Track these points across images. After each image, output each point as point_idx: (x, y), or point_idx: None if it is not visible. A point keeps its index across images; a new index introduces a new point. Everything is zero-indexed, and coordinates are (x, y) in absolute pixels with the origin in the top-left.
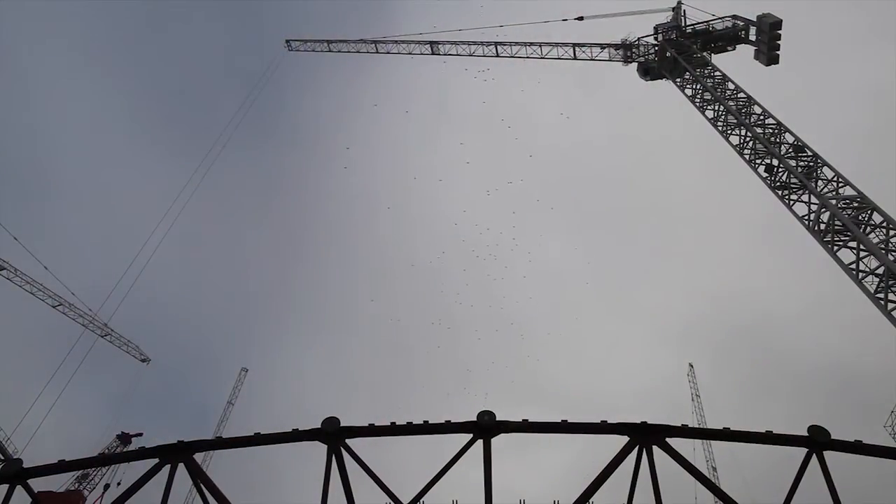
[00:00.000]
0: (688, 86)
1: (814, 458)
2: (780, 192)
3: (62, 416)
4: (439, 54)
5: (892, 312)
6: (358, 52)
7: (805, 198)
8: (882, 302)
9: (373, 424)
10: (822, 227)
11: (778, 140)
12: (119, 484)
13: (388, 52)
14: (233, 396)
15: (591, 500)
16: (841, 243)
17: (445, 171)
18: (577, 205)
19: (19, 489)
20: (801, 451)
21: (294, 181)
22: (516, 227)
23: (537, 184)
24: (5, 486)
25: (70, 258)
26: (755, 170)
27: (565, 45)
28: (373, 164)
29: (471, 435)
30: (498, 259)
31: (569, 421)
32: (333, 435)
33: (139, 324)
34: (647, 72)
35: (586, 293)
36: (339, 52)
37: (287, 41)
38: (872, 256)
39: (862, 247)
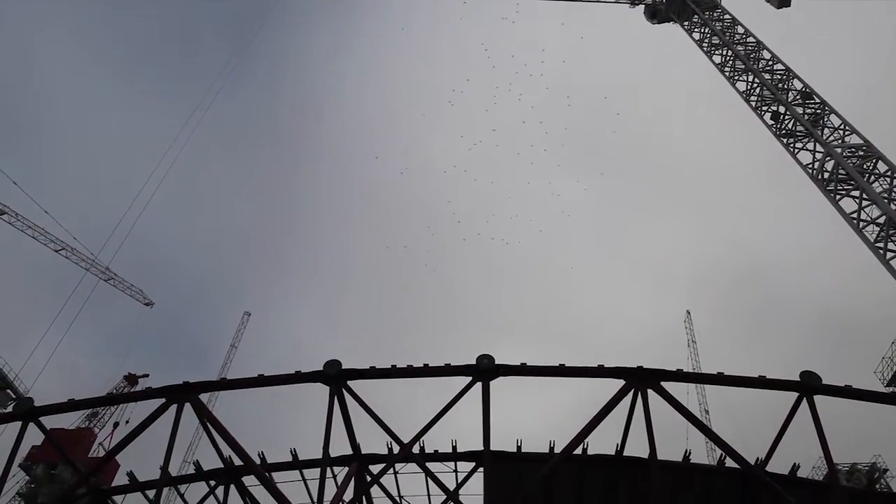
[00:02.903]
0: (696, 29)
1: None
2: (785, 141)
3: (67, 358)
4: None
5: (891, 262)
6: None
7: (810, 146)
8: (881, 251)
9: (374, 367)
10: (826, 175)
11: (785, 87)
12: (128, 422)
13: None
14: (236, 340)
15: (586, 441)
16: (843, 192)
17: (449, 113)
18: (579, 150)
19: (32, 426)
20: (795, 397)
21: (294, 123)
22: (518, 171)
23: (538, 127)
24: (18, 423)
25: (70, 203)
26: (761, 117)
27: None
28: (373, 105)
29: (470, 378)
30: (499, 202)
31: (566, 365)
32: (335, 377)
33: (141, 268)
34: (655, 14)
35: (587, 237)
36: None
37: None
38: (874, 205)
39: (864, 196)
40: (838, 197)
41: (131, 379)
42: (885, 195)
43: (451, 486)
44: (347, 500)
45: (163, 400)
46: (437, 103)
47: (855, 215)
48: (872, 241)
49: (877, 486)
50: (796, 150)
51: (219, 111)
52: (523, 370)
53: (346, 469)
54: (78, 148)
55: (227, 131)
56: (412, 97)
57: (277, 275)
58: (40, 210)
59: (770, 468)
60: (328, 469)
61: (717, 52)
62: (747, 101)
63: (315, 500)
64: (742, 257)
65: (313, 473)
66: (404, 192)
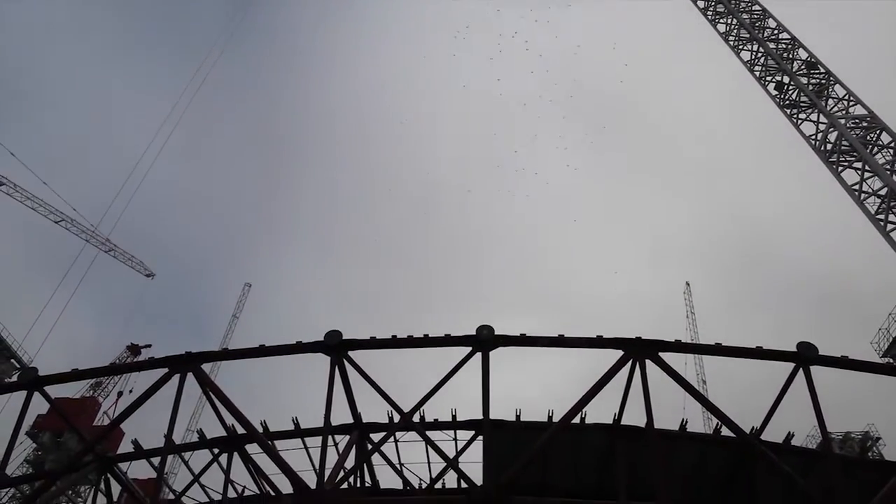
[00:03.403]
0: None
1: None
2: (788, 111)
3: (69, 329)
4: None
5: (892, 234)
6: None
7: (814, 117)
8: (882, 223)
9: (374, 337)
10: (829, 147)
11: (791, 56)
12: (131, 391)
13: None
14: (237, 310)
15: (584, 410)
16: (846, 164)
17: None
18: (579, 117)
19: (37, 395)
20: (791, 367)
21: (295, 82)
22: (524, 123)
23: (535, 92)
24: (23, 393)
25: (68, 174)
26: (764, 87)
27: None
28: (372, 55)
29: (470, 348)
30: (500, 166)
31: (565, 335)
32: (336, 347)
33: (142, 239)
34: None
35: (586, 206)
36: None
37: None
38: (876, 177)
39: (867, 167)
40: (840, 169)
41: (134, 349)
42: (888, 166)
43: (451, 453)
44: (349, 468)
45: (165, 370)
46: (439, 49)
47: (856, 187)
48: (873, 212)
49: (869, 453)
50: (799, 122)
51: (217, 74)
52: (522, 341)
53: (348, 437)
54: (75, 119)
55: (225, 96)
56: (413, 46)
57: (278, 245)
58: (38, 181)
59: (765, 437)
60: (330, 437)
61: (721, 20)
62: (751, 71)
63: (317, 467)
64: (742, 229)
65: (315, 441)
66: (405, 142)
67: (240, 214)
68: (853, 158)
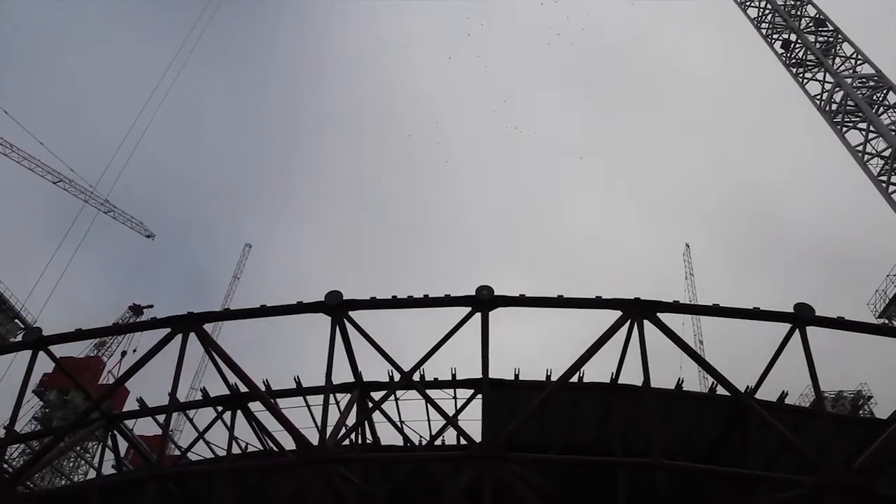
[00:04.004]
0: None
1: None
2: (794, 70)
3: (70, 290)
4: None
5: (893, 195)
6: None
7: (820, 76)
8: (884, 185)
9: (374, 297)
10: (834, 107)
11: (799, 13)
12: (135, 351)
13: None
14: (238, 271)
15: (582, 370)
16: (850, 124)
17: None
18: (580, 73)
19: (42, 355)
20: (788, 328)
21: (292, 47)
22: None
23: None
24: (28, 352)
25: (66, 135)
26: (771, 45)
27: None
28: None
29: (469, 308)
30: (498, 120)
31: (564, 296)
32: (336, 307)
33: (141, 200)
34: None
35: (586, 164)
36: None
37: None
38: (881, 138)
39: (871, 128)
40: (844, 130)
41: (136, 309)
42: (893, 127)
43: (451, 412)
44: (350, 425)
45: (168, 330)
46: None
47: (860, 148)
48: (876, 174)
49: (860, 411)
50: (805, 81)
51: (213, 33)
52: (522, 301)
53: (349, 396)
54: (71, 78)
55: (221, 53)
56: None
57: (278, 204)
58: (35, 141)
59: (760, 396)
60: (331, 396)
61: None
62: (758, 29)
63: (319, 424)
64: (743, 190)
65: (316, 400)
66: (404, 99)
67: (240, 175)
68: (858, 119)
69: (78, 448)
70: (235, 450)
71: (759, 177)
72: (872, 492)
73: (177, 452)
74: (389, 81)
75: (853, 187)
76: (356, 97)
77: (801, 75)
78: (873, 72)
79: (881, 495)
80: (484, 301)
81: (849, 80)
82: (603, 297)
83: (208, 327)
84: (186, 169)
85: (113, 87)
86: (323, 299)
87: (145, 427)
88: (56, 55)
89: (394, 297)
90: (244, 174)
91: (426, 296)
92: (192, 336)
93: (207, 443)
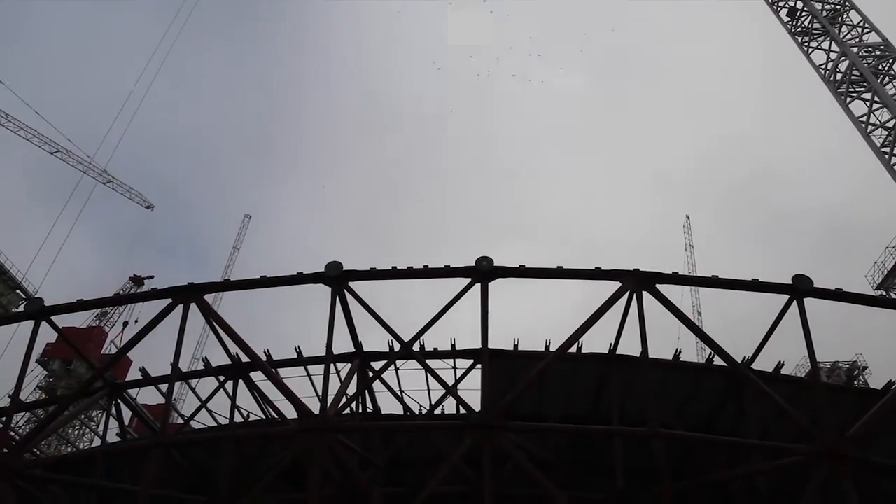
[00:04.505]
0: None
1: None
2: (799, 39)
3: (70, 261)
4: None
5: (895, 167)
6: None
7: (825, 45)
8: (887, 156)
9: (374, 268)
10: (839, 77)
11: None
12: (137, 321)
13: None
14: (238, 242)
15: (580, 341)
16: (854, 94)
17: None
18: (581, 42)
19: (44, 325)
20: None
21: (292, 14)
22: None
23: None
24: (31, 323)
25: (62, 105)
26: (776, 13)
27: None
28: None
29: (469, 279)
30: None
31: (564, 267)
32: (336, 278)
33: (140, 171)
34: None
35: (586, 134)
36: None
37: None
38: (885, 108)
39: (876, 98)
40: (849, 100)
41: (137, 280)
42: None
43: (450, 382)
44: (351, 394)
45: (169, 300)
46: None
47: (864, 119)
48: (879, 145)
49: (855, 382)
50: (810, 50)
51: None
52: (521, 272)
53: (349, 365)
54: (66, 48)
55: (220, 20)
56: None
57: (277, 176)
58: (31, 111)
59: (756, 367)
60: (332, 365)
61: None
62: None
63: (320, 394)
64: (744, 160)
65: (317, 370)
66: (403, 68)
67: (239, 145)
68: (862, 89)
69: (82, 416)
70: (238, 419)
71: (761, 149)
72: (865, 460)
73: (180, 421)
74: (391, 33)
75: (856, 159)
76: (359, 60)
77: (806, 44)
78: (880, 41)
79: (874, 463)
80: (483, 272)
81: (855, 49)
82: (602, 269)
83: (209, 298)
84: (186, 139)
85: (109, 56)
86: (323, 270)
87: (148, 396)
88: (49, 24)
89: (393, 267)
90: (244, 145)
91: (426, 266)
92: (193, 307)
93: (210, 412)
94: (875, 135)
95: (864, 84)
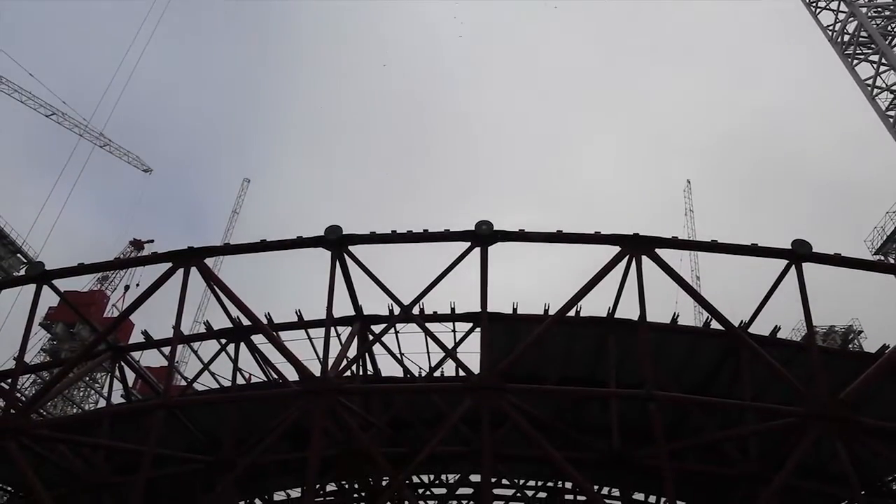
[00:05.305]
0: None
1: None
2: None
3: (69, 225)
4: None
5: None
6: None
7: (833, 5)
8: (891, 120)
9: (374, 232)
10: (846, 38)
11: None
12: (138, 285)
13: None
14: (237, 206)
15: (579, 305)
16: (861, 56)
17: None
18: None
19: (46, 289)
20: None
21: None
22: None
23: None
24: (33, 286)
25: (57, 68)
26: None
27: None
28: None
29: (469, 243)
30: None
31: (563, 231)
32: (336, 242)
33: (138, 135)
34: None
35: (587, 94)
36: None
37: None
38: (892, 71)
39: (883, 60)
40: (855, 62)
41: (137, 244)
42: None
43: (450, 345)
44: (351, 357)
45: (169, 264)
46: None
47: (870, 82)
48: (884, 108)
49: (850, 346)
50: (818, 10)
51: None
52: (521, 236)
53: (350, 329)
54: (60, 9)
55: None
56: None
57: (275, 140)
58: (25, 73)
59: (753, 331)
60: (332, 329)
61: None
62: None
63: (321, 357)
64: (747, 123)
65: (318, 333)
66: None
67: (237, 109)
68: (870, 51)
69: (87, 378)
70: (240, 381)
71: (764, 113)
72: (857, 421)
73: (182, 383)
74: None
75: (860, 124)
76: (361, 16)
77: (814, 4)
78: (890, 0)
79: (866, 424)
80: (483, 236)
81: (864, 10)
82: (602, 233)
83: (209, 262)
84: (184, 103)
85: (104, 18)
86: (323, 234)
87: (151, 359)
88: None
89: (393, 231)
90: (242, 108)
91: (425, 230)
92: (194, 270)
93: (212, 374)
94: (880, 98)
95: (872, 46)
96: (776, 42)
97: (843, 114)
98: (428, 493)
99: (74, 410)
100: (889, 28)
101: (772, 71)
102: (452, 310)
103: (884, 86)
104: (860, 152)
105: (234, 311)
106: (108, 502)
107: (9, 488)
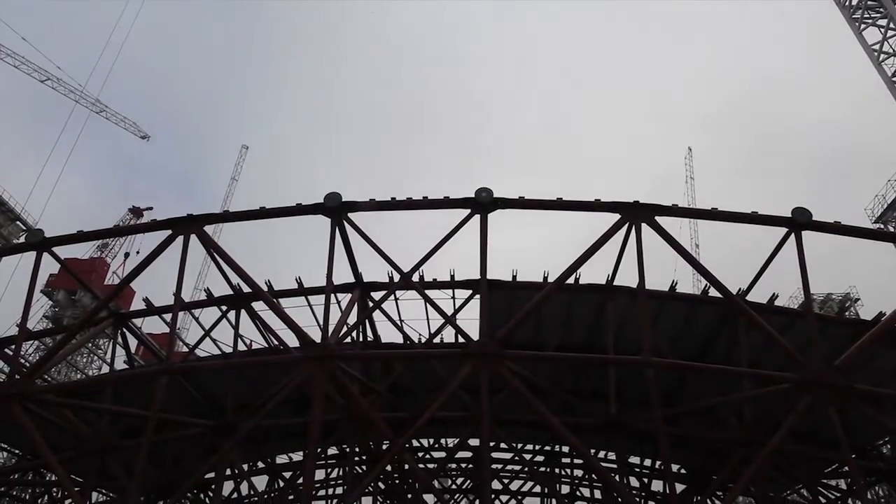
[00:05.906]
0: None
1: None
2: None
3: (67, 193)
4: None
5: None
6: None
7: None
8: None
9: (373, 199)
10: (854, 1)
11: None
12: (138, 252)
13: None
14: (236, 173)
15: (578, 272)
16: (870, 21)
17: None
18: None
19: (46, 256)
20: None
21: None
22: None
23: None
24: (33, 254)
25: (50, 32)
26: None
27: None
28: None
29: (468, 210)
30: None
31: (563, 199)
32: (336, 209)
33: (135, 101)
34: None
35: (587, 63)
36: None
37: None
38: None
39: (892, 24)
40: (863, 27)
41: (136, 212)
42: None
43: (449, 311)
44: (351, 324)
45: (169, 231)
46: None
47: (877, 47)
48: (890, 74)
49: (846, 313)
50: None
51: None
52: (521, 203)
53: (350, 296)
54: None
55: None
56: None
57: (274, 106)
58: (17, 37)
59: (751, 299)
60: (332, 295)
61: None
62: None
63: (321, 323)
64: (747, 91)
65: (318, 301)
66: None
67: (234, 73)
68: (878, 15)
69: (90, 345)
70: (241, 347)
71: (767, 80)
72: (851, 388)
73: (184, 349)
74: None
75: (865, 90)
76: None
77: None
78: None
79: (859, 391)
80: (483, 203)
81: None
82: (602, 200)
83: (209, 229)
84: (181, 68)
85: None
86: (322, 201)
87: (152, 326)
88: None
89: (393, 198)
90: (239, 72)
91: (425, 198)
92: (194, 238)
93: (214, 340)
94: (886, 64)
95: (881, 10)
96: (781, 3)
97: (848, 80)
98: (427, 456)
99: (78, 376)
100: None
101: (775, 37)
102: (452, 277)
103: (891, 51)
104: (864, 121)
105: (235, 279)
106: (113, 465)
107: (17, 451)
